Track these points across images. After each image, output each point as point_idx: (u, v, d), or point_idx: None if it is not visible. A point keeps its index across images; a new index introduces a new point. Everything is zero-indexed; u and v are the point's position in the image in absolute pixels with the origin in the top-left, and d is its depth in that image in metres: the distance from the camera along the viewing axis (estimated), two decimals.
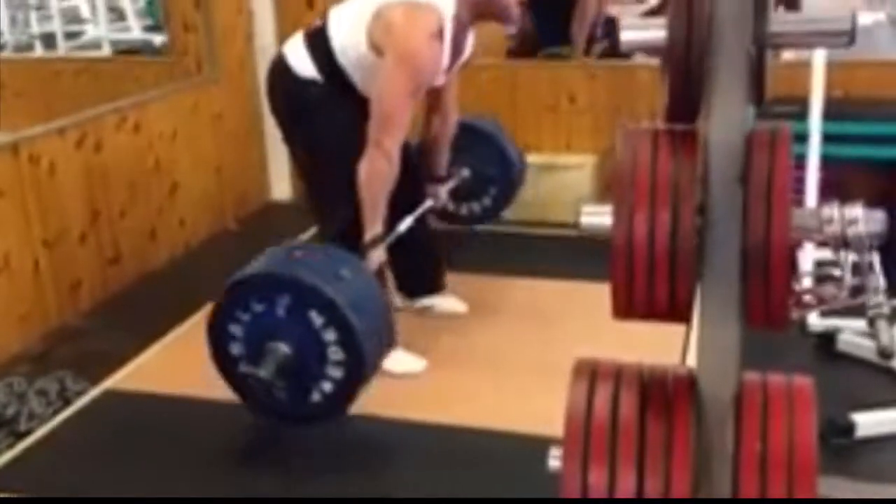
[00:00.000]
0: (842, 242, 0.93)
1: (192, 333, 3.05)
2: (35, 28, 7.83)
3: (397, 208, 2.65)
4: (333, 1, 4.05)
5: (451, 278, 3.15)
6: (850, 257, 0.94)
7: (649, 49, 0.96)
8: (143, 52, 6.38)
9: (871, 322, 2.34)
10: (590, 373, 1.10)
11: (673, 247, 0.93)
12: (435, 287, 3.07)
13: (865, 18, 2.93)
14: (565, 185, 3.93)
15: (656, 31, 0.93)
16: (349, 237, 2.54)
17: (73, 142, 3.18)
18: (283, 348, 2.16)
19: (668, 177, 0.92)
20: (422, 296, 3.05)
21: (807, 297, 1.01)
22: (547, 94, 4.06)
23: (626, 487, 1.02)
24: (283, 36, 4.16)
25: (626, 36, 0.96)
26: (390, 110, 2.46)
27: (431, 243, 3.03)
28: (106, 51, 7.27)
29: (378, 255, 2.54)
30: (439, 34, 2.48)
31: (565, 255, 3.51)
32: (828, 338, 2.71)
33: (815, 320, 2.79)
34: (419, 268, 2.96)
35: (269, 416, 2.32)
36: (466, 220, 3.57)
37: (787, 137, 0.92)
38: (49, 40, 7.72)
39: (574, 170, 3.96)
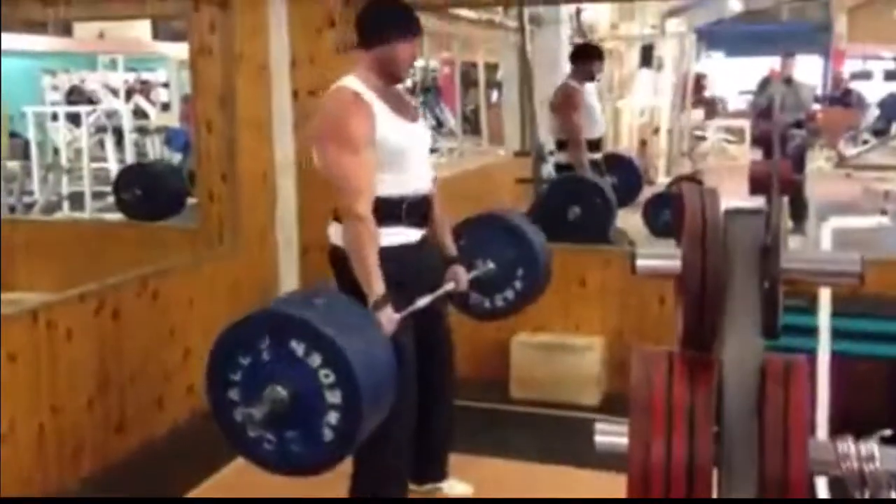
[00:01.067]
0: (859, 479, 0.93)
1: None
2: (65, 188, 8.15)
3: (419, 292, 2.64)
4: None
5: (458, 459, 3.10)
6: (867, 493, 0.93)
7: (664, 276, 0.99)
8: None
9: None
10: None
11: (690, 474, 0.92)
12: (439, 475, 3.02)
13: (868, 221, 3.03)
14: (574, 365, 3.93)
15: (671, 261, 0.97)
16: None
17: (92, 309, 3.23)
18: (281, 391, 2.04)
19: (685, 403, 0.94)
20: (427, 481, 2.99)
21: None
22: (558, 276, 4.12)
23: None
24: (303, 211, 4.33)
25: (641, 264, 1.00)
26: (346, 179, 2.50)
27: (443, 429, 2.98)
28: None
29: (390, 317, 2.46)
30: (354, 97, 2.55)
31: (574, 437, 3.47)
32: None
33: None
34: (427, 451, 2.90)
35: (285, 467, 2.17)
36: (489, 314, 3.40)
37: (803, 370, 0.94)
38: (77, 199, 8.02)
39: (583, 351, 3.97)
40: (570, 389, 3.90)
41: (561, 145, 5.31)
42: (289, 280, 4.35)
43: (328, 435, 2.05)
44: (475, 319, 3.22)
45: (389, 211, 2.59)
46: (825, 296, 2.94)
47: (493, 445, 3.39)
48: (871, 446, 0.93)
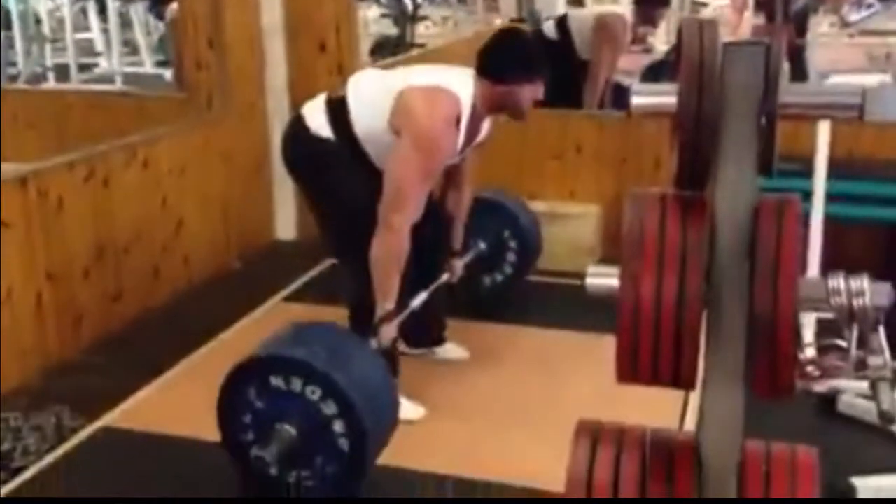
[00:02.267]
0: (847, 314, 0.93)
1: (190, 373, 3.06)
2: (49, 60, 7.94)
3: (413, 282, 2.66)
4: (345, 45, 4.21)
5: (452, 324, 3.14)
6: (855, 329, 0.94)
7: (659, 114, 0.97)
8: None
9: (873, 385, 2.33)
10: (592, 435, 1.10)
11: (679, 313, 0.92)
12: (435, 341, 3.08)
13: (870, 79, 2.97)
14: (569, 233, 3.93)
15: (666, 98, 0.94)
16: (363, 306, 2.58)
17: (81, 177, 3.19)
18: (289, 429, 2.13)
19: (677, 243, 0.93)
20: (422, 347, 3.04)
21: (811, 369, 1.01)
22: (554, 142, 4.09)
23: None
24: (293, 79, 4.24)
25: (637, 101, 0.97)
26: (403, 190, 2.48)
27: (433, 299, 3.01)
28: (118, 83, 7.37)
29: (389, 332, 2.53)
30: (457, 120, 2.52)
31: (568, 304, 3.50)
32: (829, 399, 2.70)
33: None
34: (420, 322, 2.93)
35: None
36: (490, 292, 3.50)
37: (796, 208, 0.93)
38: (62, 72, 7.83)
39: (578, 219, 3.97)
40: (565, 257, 3.91)
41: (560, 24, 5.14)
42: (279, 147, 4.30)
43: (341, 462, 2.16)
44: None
45: None
46: (822, 156, 2.92)
47: (489, 313, 3.43)
48: (861, 281, 0.92)
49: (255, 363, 2.19)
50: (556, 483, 1.21)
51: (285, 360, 2.16)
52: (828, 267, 2.87)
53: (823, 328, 2.35)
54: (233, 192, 4.07)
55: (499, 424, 2.66)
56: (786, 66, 6.14)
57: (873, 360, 2.30)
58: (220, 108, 4.04)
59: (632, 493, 1.03)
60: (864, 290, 0.92)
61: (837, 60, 6.96)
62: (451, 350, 3.09)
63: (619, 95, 5.27)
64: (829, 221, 2.97)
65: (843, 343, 0.96)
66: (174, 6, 5.48)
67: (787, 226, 0.92)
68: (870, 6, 10.66)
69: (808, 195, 2.91)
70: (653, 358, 0.96)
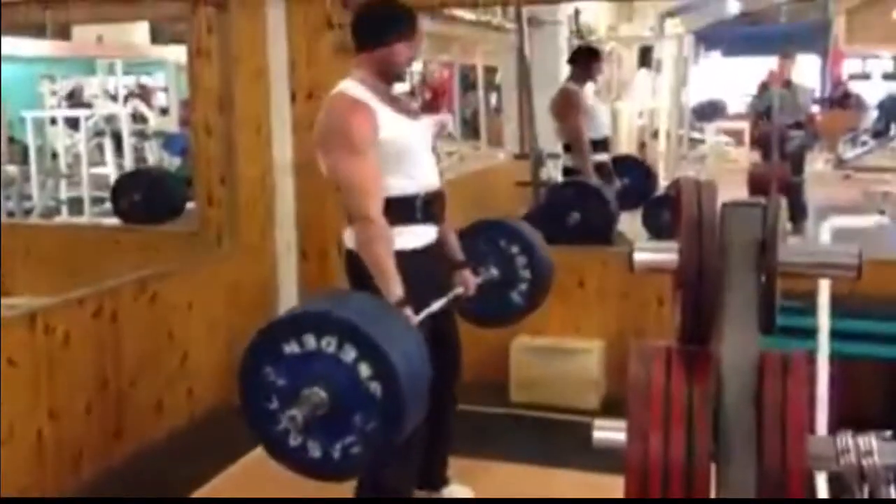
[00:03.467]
0: (858, 473, 0.92)
1: None
2: (63, 194, 8.14)
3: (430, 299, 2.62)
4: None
5: (458, 462, 3.09)
6: (867, 488, 0.93)
7: (662, 270, 0.99)
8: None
9: None
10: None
11: (688, 469, 0.92)
12: (440, 482, 3.02)
13: (867, 220, 3.02)
14: (574, 369, 3.92)
15: (668, 255, 0.97)
16: None
17: (90, 312, 3.22)
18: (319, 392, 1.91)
19: (683, 398, 0.93)
20: (427, 489, 2.98)
21: None
22: (557, 278, 4.11)
23: None
24: (302, 215, 4.32)
25: (639, 257, 1.00)
26: (353, 182, 2.49)
27: (441, 439, 2.96)
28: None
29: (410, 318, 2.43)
30: (355, 101, 2.54)
31: (574, 440, 3.46)
32: None
33: None
34: (428, 461, 2.87)
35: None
36: (495, 321, 3.31)
37: (802, 364, 0.94)
38: (75, 205, 8.02)
39: (583, 354, 3.96)
40: (570, 392, 3.89)
41: (567, 148, 5.30)
42: (288, 283, 4.34)
43: (372, 432, 1.93)
44: (477, 325, 3.20)
45: (405, 209, 2.58)
46: (824, 296, 2.93)
47: (494, 449, 3.39)
48: (870, 440, 0.92)
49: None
50: None
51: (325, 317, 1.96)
52: (835, 410, 2.86)
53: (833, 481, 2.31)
54: (238, 325, 4.08)
55: None
56: (784, 204, 6.25)
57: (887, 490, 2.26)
58: (230, 244, 4.11)
59: None
60: (873, 450, 0.92)
61: (834, 198, 7.11)
62: (456, 491, 3.03)
63: (624, 163, 5.59)
64: (834, 359, 2.96)
65: None
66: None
67: (793, 383, 0.93)
68: (864, 143, 10.95)
69: (809, 332, 2.92)
70: None
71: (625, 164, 5.73)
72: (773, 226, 0.93)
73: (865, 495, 0.93)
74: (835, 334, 2.99)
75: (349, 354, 1.89)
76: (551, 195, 5.12)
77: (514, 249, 3.16)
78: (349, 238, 2.64)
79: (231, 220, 4.10)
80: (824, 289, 2.95)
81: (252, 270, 4.18)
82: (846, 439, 0.93)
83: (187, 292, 3.77)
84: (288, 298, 4.36)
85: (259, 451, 3.45)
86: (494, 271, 3.10)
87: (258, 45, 4.16)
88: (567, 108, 5.16)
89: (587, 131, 5.15)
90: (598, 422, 1.01)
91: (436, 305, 2.63)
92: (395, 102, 2.67)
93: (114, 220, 7.27)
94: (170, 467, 3.33)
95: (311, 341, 1.91)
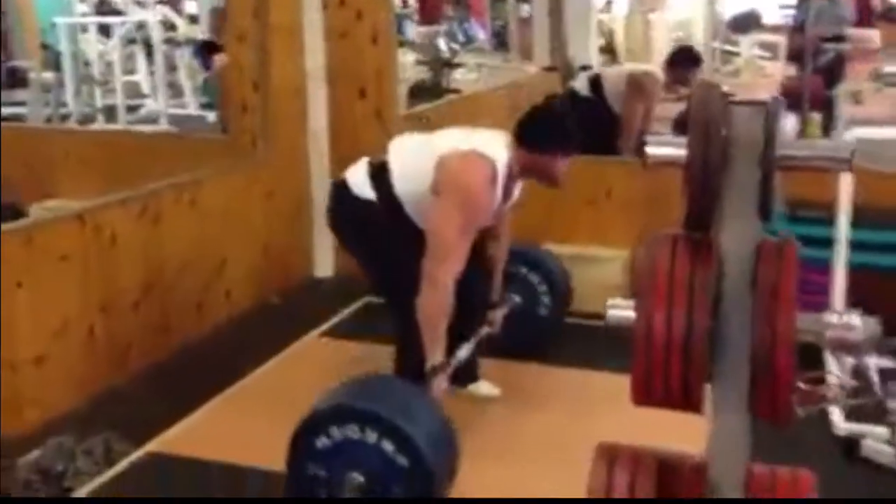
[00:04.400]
0: (841, 346, 1.03)
1: (232, 402, 3.18)
2: (98, 101, 8.25)
3: (455, 334, 2.78)
4: (385, 91, 4.38)
5: (485, 363, 3.24)
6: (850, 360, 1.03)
7: (671, 163, 1.09)
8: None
9: (893, 429, 2.40)
10: (610, 457, 1.20)
11: (687, 343, 1.03)
12: (470, 379, 3.17)
13: (890, 132, 3.06)
14: (600, 276, 4.02)
15: (677, 149, 1.06)
16: (412, 356, 2.69)
17: (134, 214, 3.37)
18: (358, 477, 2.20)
19: (685, 280, 1.04)
20: (457, 384, 3.14)
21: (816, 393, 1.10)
22: (585, 188, 4.20)
23: None
24: (333, 123, 4.41)
25: (651, 150, 1.10)
26: (446, 246, 2.63)
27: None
28: (164, 124, 7.65)
29: (441, 383, 2.65)
30: (493, 179, 2.69)
31: (595, 345, 3.60)
32: (853, 442, 2.75)
33: (841, 424, 2.83)
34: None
35: None
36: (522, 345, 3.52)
37: (794, 251, 1.04)
38: (109, 113, 8.14)
39: (608, 262, 4.06)
40: (594, 299, 3.98)
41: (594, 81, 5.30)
42: (320, 191, 4.45)
43: None
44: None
45: None
46: (844, 205, 3.00)
47: (521, 350, 3.52)
48: (852, 316, 1.03)
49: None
50: None
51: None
52: None
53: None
54: (273, 231, 4.23)
55: (526, 462, 2.75)
56: (817, 117, 6.22)
57: (894, 404, 2.37)
58: (263, 150, 4.22)
59: None
60: (856, 325, 1.03)
61: (869, 112, 7.03)
62: (483, 387, 3.19)
63: None
64: (852, 269, 3.04)
65: (838, 374, 1.06)
66: (221, 56, 5.70)
67: (786, 265, 1.03)
68: None
69: (829, 242, 2.99)
70: (664, 383, 1.06)
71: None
72: (773, 123, 1.02)
73: (849, 366, 1.04)
74: (854, 245, 3.05)
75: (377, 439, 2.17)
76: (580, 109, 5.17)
77: (535, 277, 3.40)
78: (362, 182, 2.79)
79: (264, 126, 4.20)
80: (844, 200, 3.01)
81: (285, 177, 4.30)
82: (831, 315, 1.04)
83: (223, 198, 3.90)
84: (321, 204, 4.47)
85: (295, 348, 3.67)
86: (517, 299, 3.29)
87: None
88: (643, 96, 5.11)
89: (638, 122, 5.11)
90: (610, 301, 1.12)
91: (462, 353, 2.83)
92: (509, 189, 2.83)
93: (149, 127, 7.43)
94: (212, 362, 3.51)
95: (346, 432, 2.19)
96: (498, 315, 3.13)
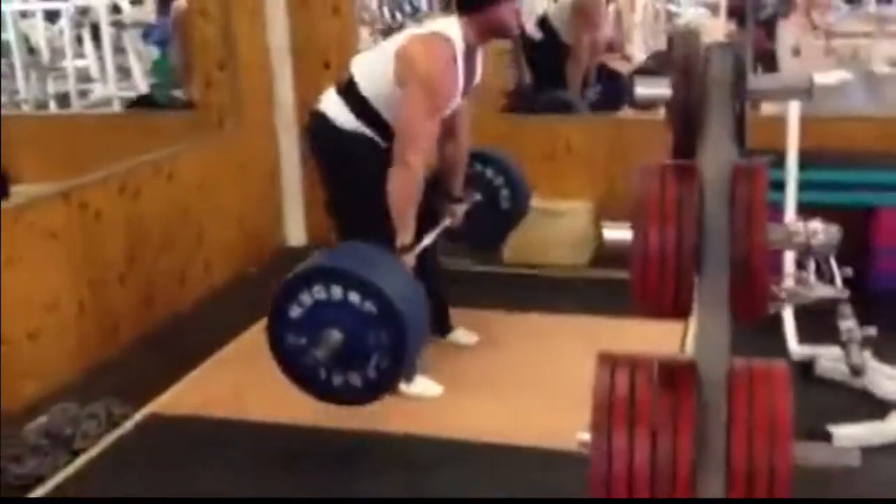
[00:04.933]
0: (806, 250, 1.21)
1: (220, 366, 3.32)
2: (50, 88, 8.19)
3: (420, 226, 2.90)
4: (347, 62, 4.47)
5: (461, 313, 3.41)
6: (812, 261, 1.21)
7: (657, 101, 1.25)
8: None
9: (844, 345, 2.63)
10: (611, 362, 1.37)
11: (678, 254, 1.21)
12: (446, 329, 3.34)
13: (830, 77, 3.27)
14: (563, 229, 4.20)
15: (663, 89, 1.23)
16: None
17: (115, 190, 3.45)
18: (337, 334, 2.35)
19: (674, 201, 1.21)
20: (435, 335, 3.30)
21: (781, 294, 1.28)
22: (545, 143, 4.37)
23: (642, 450, 1.29)
24: (300, 95, 4.50)
25: (639, 91, 1.26)
26: (415, 130, 2.74)
27: (440, 290, 3.26)
28: (116, 108, 7.63)
29: (410, 260, 2.77)
30: (454, 59, 2.80)
31: (562, 292, 3.83)
32: (808, 364, 2.99)
33: (796, 348, 3.07)
34: (433, 313, 3.18)
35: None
36: (479, 241, 3.68)
37: (763, 169, 1.21)
38: (60, 99, 8.09)
39: (571, 215, 4.24)
40: (559, 251, 4.18)
41: (542, 22, 5.43)
42: (289, 161, 4.57)
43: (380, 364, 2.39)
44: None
45: None
46: (792, 150, 3.21)
47: (493, 301, 3.71)
48: (816, 224, 1.21)
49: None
50: (565, 443, 1.49)
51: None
52: None
53: None
54: (246, 203, 4.33)
55: (510, 396, 2.94)
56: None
57: (844, 324, 2.60)
58: (232, 125, 4.30)
59: (645, 403, 1.30)
60: (818, 230, 1.21)
61: (804, 62, 7.31)
62: (461, 335, 3.37)
63: (606, 75, 5.58)
64: (804, 209, 3.25)
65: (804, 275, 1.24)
66: (179, 2, 5.65)
67: (757, 183, 1.20)
68: (838, 10, 11.05)
69: (781, 185, 3.20)
70: (658, 290, 1.24)
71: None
72: (742, 61, 1.19)
73: (813, 268, 1.22)
74: (803, 185, 3.27)
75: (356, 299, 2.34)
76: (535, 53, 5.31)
77: (498, 178, 3.48)
78: (333, 103, 2.91)
79: (232, 102, 4.28)
80: (793, 143, 3.22)
81: (256, 149, 4.40)
82: (796, 224, 1.22)
83: (199, 171, 3.99)
84: (291, 176, 4.60)
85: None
86: (477, 196, 3.40)
87: None
88: (589, 17, 5.20)
89: (587, 51, 5.24)
90: (606, 223, 1.29)
91: (428, 239, 2.96)
92: (467, 68, 2.88)
93: (104, 110, 7.41)
94: (197, 331, 3.63)
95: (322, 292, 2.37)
96: (459, 209, 3.24)
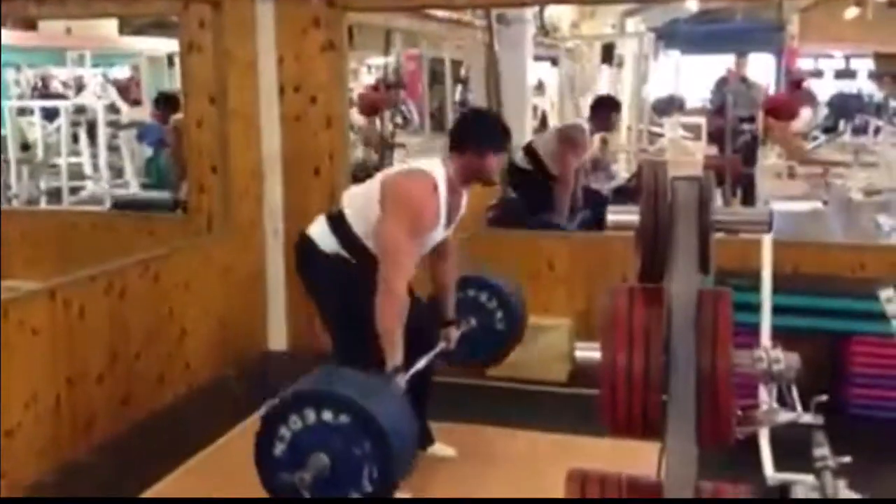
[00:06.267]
0: (769, 376, 1.25)
1: (194, 474, 3.27)
2: (42, 184, 8.31)
3: (413, 351, 2.92)
4: (338, 170, 4.60)
5: (440, 427, 3.40)
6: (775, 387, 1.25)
7: (627, 228, 1.32)
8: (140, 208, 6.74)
9: (818, 474, 2.64)
10: (581, 479, 1.40)
11: (646, 376, 1.25)
12: (427, 442, 3.32)
13: (805, 205, 3.39)
14: (544, 345, 4.23)
15: (632, 216, 1.30)
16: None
17: (101, 289, 3.49)
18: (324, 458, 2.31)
19: (642, 323, 1.26)
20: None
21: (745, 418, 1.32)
22: (528, 262, 4.44)
23: None
24: (290, 199, 4.59)
25: (611, 217, 1.33)
26: (396, 250, 2.82)
27: (420, 403, 3.26)
28: (107, 206, 7.73)
29: (400, 384, 2.76)
30: (433, 189, 2.90)
31: (543, 408, 3.84)
32: (783, 490, 2.98)
33: (771, 474, 3.07)
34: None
35: None
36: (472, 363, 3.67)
37: (728, 297, 1.27)
38: (52, 195, 8.20)
39: (552, 331, 4.28)
40: (540, 367, 4.20)
41: (528, 150, 5.62)
42: (275, 266, 4.62)
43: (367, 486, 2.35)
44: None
45: None
46: (767, 275, 3.30)
47: (473, 415, 3.70)
48: (778, 352, 1.26)
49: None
50: None
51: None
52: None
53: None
54: (230, 305, 4.36)
55: None
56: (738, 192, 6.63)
57: (817, 451, 2.62)
58: (221, 228, 4.37)
59: None
60: (780, 358, 1.26)
61: (783, 187, 7.54)
62: (439, 449, 3.35)
63: (592, 198, 5.71)
64: (779, 332, 3.30)
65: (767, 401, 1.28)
66: (178, 116, 5.83)
67: (722, 310, 1.25)
68: (815, 138, 11.43)
69: (757, 308, 3.26)
70: (627, 410, 1.27)
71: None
72: (707, 194, 1.26)
73: (775, 393, 1.26)
74: (777, 310, 3.33)
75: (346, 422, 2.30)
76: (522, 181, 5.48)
77: (491, 303, 3.52)
78: (320, 231, 3.02)
79: (223, 207, 4.36)
80: (767, 269, 3.31)
81: (243, 254, 4.46)
82: (759, 351, 1.26)
83: (185, 273, 4.04)
84: (275, 280, 4.64)
85: (251, 421, 3.77)
86: (473, 321, 3.46)
87: (248, 40, 4.43)
88: (573, 145, 5.38)
89: (573, 176, 5.43)
90: (578, 344, 1.33)
91: (420, 364, 3.00)
92: (452, 204, 3.01)
93: (94, 208, 7.50)
94: (172, 434, 3.60)
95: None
96: (453, 333, 3.28)
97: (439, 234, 3.02)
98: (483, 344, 3.50)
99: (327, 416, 2.33)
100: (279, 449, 2.38)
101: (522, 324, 3.67)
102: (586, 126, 5.51)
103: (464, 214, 3.17)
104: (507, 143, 3.07)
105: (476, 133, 3.01)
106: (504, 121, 3.18)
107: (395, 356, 2.81)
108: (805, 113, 8.29)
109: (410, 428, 2.47)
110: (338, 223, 3.02)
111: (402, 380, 2.79)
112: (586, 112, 5.88)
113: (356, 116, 8.86)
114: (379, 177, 3.03)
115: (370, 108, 8.90)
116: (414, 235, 2.85)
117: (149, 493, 3.06)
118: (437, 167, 2.96)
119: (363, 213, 2.98)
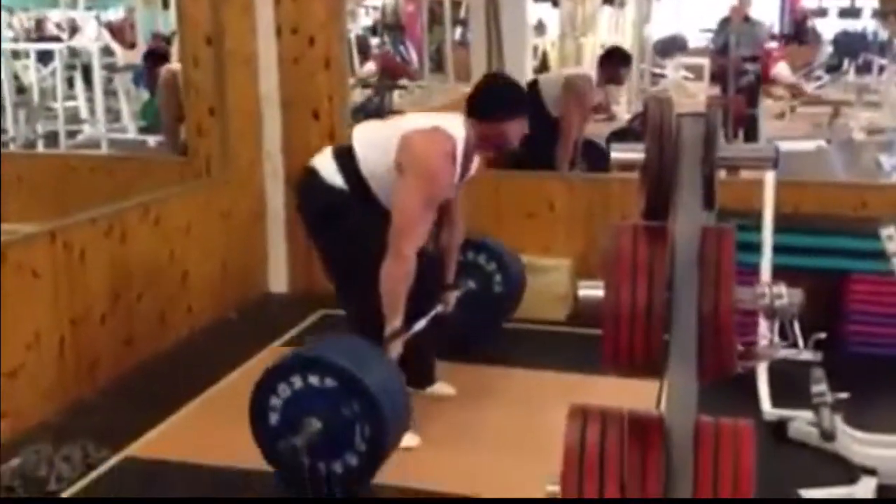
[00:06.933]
0: (771, 312, 1.26)
1: (199, 411, 3.31)
2: (39, 128, 8.24)
3: (412, 312, 2.95)
4: (337, 113, 4.56)
5: (440, 366, 3.43)
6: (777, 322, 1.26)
7: (632, 166, 1.31)
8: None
9: (816, 410, 2.68)
10: (582, 415, 1.41)
11: (649, 311, 1.25)
12: (427, 382, 3.36)
13: (808, 144, 3.37)
14: (544, 285, 4.25)
15: (637, 154, 1.29)
16: (372, 327, 2.85)
17: (102, 232, 3.48)
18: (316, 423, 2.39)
19: (645, 261, 1.26)
20: (415, 387, 3.32)
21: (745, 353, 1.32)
22: (529, 202, 4.43)
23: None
24: (289, 142, 4.57)
25: (615, 155, 1.32)
26: (409, 220, 2.81)
27: (427, 344, 3.29)
28: (104, 149, 7.68)
29: (396, 347, 2.84)
30: (452, 154, 2.88)
31: (543, 347, 3.86)
32: (780, 425, 3.02)
33: (769, 410, 3.11)
34: (416, 364, 3.20)
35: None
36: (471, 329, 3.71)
37: (732, 233, 1.26)
38: (49, 139, 8.14)
39: (552, 271, 4.29)
40: (540, 306, 4.22)
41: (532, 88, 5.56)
42: (275, 208, 4.61)
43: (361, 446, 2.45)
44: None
45: None
46: (769, 213, 3.29)
47: (474, 354, 3.73)
48: (780, 287, 1.26)
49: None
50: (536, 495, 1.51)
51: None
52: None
53: None
54: (231, 248, 4.37)
55: (486, 450, 2.96)
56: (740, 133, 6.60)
57: (815, 388, 2.64)
58: (220, 171, 4.35)
59: (614, 458, 1.33)
60: (783, 293, 1.26)
61: (786, 127, 7.50)
62: (440, 388, 3.38)
63: (591, 150, 5.70)
64: (778, 271, 3.31)
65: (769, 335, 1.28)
66: (167, 67, 5.77)
67: (725, 247, 1.25)
68: (818, 78, 11.33)
69: (758, 247, 3.27)
70: (629, 348, 1.28)
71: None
72: (713, 130, 1.24)
73: (776, 328, 1.27)
74: (778, 249, 3.34)
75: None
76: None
77: (491, 265, 3.58)
78: (327, 165, 2.98)
79: (222, 148, 4.34)
80: (769, 208, 3.30)
81: (242, 197, 4.44)
82: (762, 287, 1.27)
83: (185, 216, 4.03)
84: (275, 223, 4.64)
85: (254, 360, 3.81)
86: (471, 283, 3.47)
87: None
88: (577, 98, 5.31)
89: (577, 128, 5.36)
90: (582, 282, 1.33)
91: (418, 326, 3.02)
92: (465, 165, 2.98)
93: (92, 151, 7.46)
94: (175, 375, 3.63)
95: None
96: (451, 296, 3.30)
97: (450, 193, 3.01)
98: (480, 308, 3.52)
99: (314, 380, 2.40)
100: (273, 419, 2.46)
101: (521, 288, 3.71)
102: (593, 77, 5.45)
103: (474, 174, 3.15)
104: (527, 108, 3.03)
105: (494, 102, 2.97)
106: (521, 86, 3.13)
107: (394, 321, 2.83)
108: (782, 66, 8.18)
109: (399, 388, 2.55)
110: (347, 164, 2.98)
111: (398, 345, 2.83)
112: (587, 52, 5.82)
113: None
114: (398, 125, 2.97)
115: (392, 73, 8.82)
116: (428, 205, 2.85)
117: (153, 433, 3.10)
118: (457, 128, 2.92)
119: (375, 163, 2.94)
